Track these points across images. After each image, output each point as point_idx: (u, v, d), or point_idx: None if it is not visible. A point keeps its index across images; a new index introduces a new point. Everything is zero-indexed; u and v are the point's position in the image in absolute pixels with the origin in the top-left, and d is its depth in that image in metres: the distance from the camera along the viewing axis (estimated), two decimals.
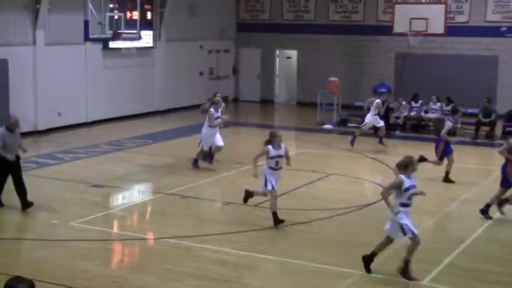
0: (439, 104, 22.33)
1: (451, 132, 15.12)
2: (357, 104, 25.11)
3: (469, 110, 22.41)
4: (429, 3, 23.42)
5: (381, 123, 19.38)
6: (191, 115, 25.13)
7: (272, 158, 11.41)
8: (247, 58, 30.02)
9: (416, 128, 22.69)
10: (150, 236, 11.20)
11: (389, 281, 9.09)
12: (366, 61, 27.91)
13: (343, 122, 23.43)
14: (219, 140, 15.89)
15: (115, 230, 11.62)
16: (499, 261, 9.85)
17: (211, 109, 15.71)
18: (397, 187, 9.11)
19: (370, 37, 27.58)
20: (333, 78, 23.74)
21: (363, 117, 23.89)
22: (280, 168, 11.58)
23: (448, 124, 14.92)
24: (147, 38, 24.20)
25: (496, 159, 19.55)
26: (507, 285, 8.93)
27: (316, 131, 22.25)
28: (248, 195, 12.00)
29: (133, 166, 16.43)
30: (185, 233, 10.98)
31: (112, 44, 22.51)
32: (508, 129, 21.55)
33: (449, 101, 22.16)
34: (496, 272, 9.42)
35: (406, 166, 9.18)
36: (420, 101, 23.01)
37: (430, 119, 22.43)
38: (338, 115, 23.67)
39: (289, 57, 29.70)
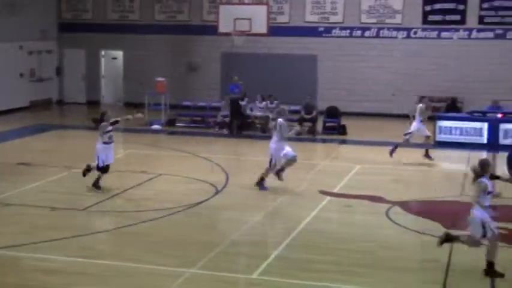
0: (264, 102, 23.00)
1: None
2: (185, 103, 25.27)
3: (292, 107, 23.31)
4: (252, 4, 24.06)
5: (427, 132, 17.75)
6: (12, 119, 23.99)
7: (490, 193, 9.46)
8: (71, 59, 29.13)
9: (243, 126, 23.18)
10: None
11: (219, 278, 9.24)
12: (193, 61, 28.12)
13: (171, 122, 23.45)
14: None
15: None
16: (321, 251, 10.36)
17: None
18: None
19: (196, 37, 27.83)
20: (160, 78, 23.69)
21: (191, 116, 24.16)
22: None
23: None
24: None
25: (318, 154, 20.57)
26: (329, 273, 9.41)
27: (144, 132, 22.08)
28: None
29: None
30: (9, 243, 10.47)
31: None
32: (328, 124, 22.69)
33: (273, 98, 22.94)
34: (319, 260, 9.89)
35: None
36: (246, 99, 23.57)
37: (256, 117, 23.02)
38: (166, 115, 23.67)
39: (114, 58, 29.24)
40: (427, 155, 17.37)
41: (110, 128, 13.73)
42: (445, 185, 15.25)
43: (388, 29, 26.46)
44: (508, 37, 25.47)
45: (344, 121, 22.58)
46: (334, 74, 26.89)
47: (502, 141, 19.85)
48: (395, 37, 26.45)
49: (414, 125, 17.48)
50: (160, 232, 11.35)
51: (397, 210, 12.73)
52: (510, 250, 10.49)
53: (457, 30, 25.92)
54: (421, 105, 17.74)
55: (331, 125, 22.66)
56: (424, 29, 26.16)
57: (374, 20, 26.63)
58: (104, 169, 13.69)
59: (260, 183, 14.19)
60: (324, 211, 12.74)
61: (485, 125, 20.17)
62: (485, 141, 20.06)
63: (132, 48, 28.48)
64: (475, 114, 20.83)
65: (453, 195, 13.99)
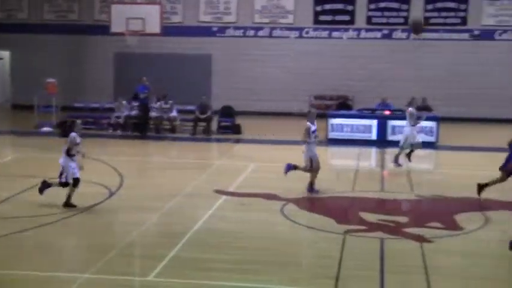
0: (159, 103, 22.81)
1: None
2: (77, 105, 24.69)
3: (187, 107, 23.29)
4: (144, 3, 23.85)
5: (418, 139, 17.06)
6: None
7: None
8: None
9: (138, 127, 22.91)
10: None
11: (114, 281, 9.10)
12: (85, 61, 27.59)
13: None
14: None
15: None
16: (217, 250, 10.39)
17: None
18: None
19: (88, 37, 27.32)
20: (50, 79, 23.04)
21: (84, 118, 23.58)
22: None
23: None
24: None
25: (212, 153, 20.62)
26: (226, 271, 9.45)
27: (33, 134, 21.42)
28: None
29: None
30: None
31: None
32: (222, 124, 22.81)
33: (168, 99, 22.82)
34: (215, 259, 9.92)
35: None
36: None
37: (150, 118, 22.80)
38: (57, 117, 23.03)
39: (1, 58, 28.22)
40: (408, 156, 16.93)
41: (79, 140, 12.62)
42: (337, 181, 15.66)
43: (281, 28, 26.91)
44: (393, 37, 26.48)
45: (239, 120, 22.77)
46: (228, 74, 27.08)
47: (390, 137, 20.63)
48: (288, 37, 26.92)
49: (406, 130, 17.06)
50: (52, 237, 11.05)
51: (292, 207, 12.94)
52: (396, 241, 10.92)
53: (347, 30, 26.69)
54: (410, 109, 17.08)
55: (225, 124, 22.79)
56: (315, 29, 26.79)
57: (267, 20, 27.01)
58: (65, 184, 12.56)
59: (310, 189, 13.97)
60: (219, 210, 12.78)
61: (374, 122, 20.86)
62: (374, 137, 20.77)
63: (20, 48, 27.59)
64: (365, 111, 21.50)
65: (345, 191, 14.39)
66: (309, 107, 26.69)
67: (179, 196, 13.72)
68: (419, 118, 17.22)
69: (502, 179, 13.29)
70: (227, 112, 23.27)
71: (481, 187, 13.52)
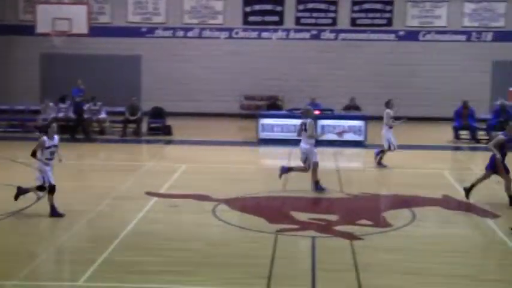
0: (87, 104, 22.41)
1: (504, 146, 13.05)
2: (1, 107, 24.03)
3: (117, 109, 22.98)
4: (71, 3, 23.45)
5: (392, 142, 17.01)
6: None
7: None
8: None
9: (65, 129, 22.44)
10: None
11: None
12: (9, 62, 26.89)
13: None
14: None
15: None
16: (148, 252, 10.28)
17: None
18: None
19: (12, 37, 26.67)
20: None
21: (8, 120, 23.02)
22: None
23: (500, 137, 13.16)
24: None
25: (143, 155, 20.42)
26: (157, 274, 9.37)
27: None
28: None
29: None
30: None
31: None
32: (152, 125, 22.62)
33: (96, 100, 22.50)
34: (147, 262, 9.81)
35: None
36: (68, 102, 22.89)
37: (84, 120, 22.34)
38: None
39: None
40: (379, 162, 17.12)
41: (53, 143, 12.15)
42: (268, 181, 15.75)
43: (211, 29, 26.90)
44: (322, 37, 26.83)
45: (170, 121, 22.62)
46: (159, 75, 26.90)
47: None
48: (218, 37, 26.93)
49: (385, 132, 17.02)
50: None
51: (223, 208, 12.94)
52: (327, 239, 11.07)
53: (276, 30, 26.89)
54: (387, 110, 16.97)
55: (156, 125, 22.62)
56: (244, 30, 26.90)
57: (196, 21, 26.96)
58: (52, 189, 12.06)
59: (317, 186, 14.27)
60: (150, 212, 12.67)
61: None
62: None
63: None
64: (295, 111, 21.66)
65: (276, 190, 14.47)
66: (240, 108, 26.81)
67: (109, 199, 13.54)
68: (397, 119, 17.26)
69: (508, 180, 13.06)
70: (157, 113, 23.10)
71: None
